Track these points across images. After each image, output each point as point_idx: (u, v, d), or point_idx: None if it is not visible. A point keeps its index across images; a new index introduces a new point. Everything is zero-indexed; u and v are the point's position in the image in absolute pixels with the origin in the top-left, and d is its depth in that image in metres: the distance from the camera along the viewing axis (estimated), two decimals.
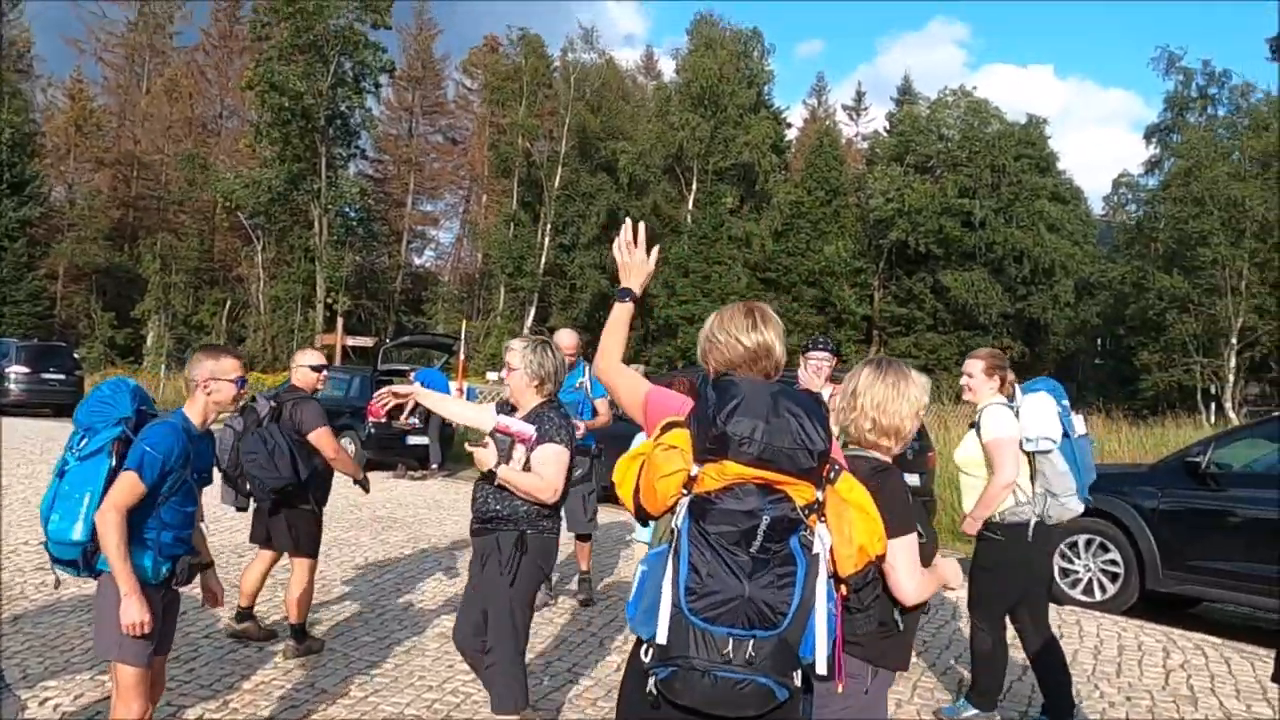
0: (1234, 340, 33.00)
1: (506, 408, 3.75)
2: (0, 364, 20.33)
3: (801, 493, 1.93)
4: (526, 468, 3.54)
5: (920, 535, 2.41)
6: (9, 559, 6.74)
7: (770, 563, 1.89)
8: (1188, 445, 7.86)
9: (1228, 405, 32.03)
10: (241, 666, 4.76)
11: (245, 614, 5.20)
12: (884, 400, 2.50)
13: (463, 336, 17.32)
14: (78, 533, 3.04)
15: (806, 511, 1.93)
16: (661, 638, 1.89)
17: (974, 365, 4.48)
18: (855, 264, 40.38)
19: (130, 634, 2.98)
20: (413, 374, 11.99)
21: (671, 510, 1.98)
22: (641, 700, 1.98)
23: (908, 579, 2.33)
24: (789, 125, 47.65)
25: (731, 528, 1.89)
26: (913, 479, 9.93)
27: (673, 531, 1.95)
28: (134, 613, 2.97)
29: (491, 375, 31.22)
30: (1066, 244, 39.51)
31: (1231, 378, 32.85)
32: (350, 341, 31.23)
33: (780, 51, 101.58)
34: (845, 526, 2.00)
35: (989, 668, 4.37)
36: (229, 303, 41.28)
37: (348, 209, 39.79)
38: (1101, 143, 74.29)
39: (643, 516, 2.08)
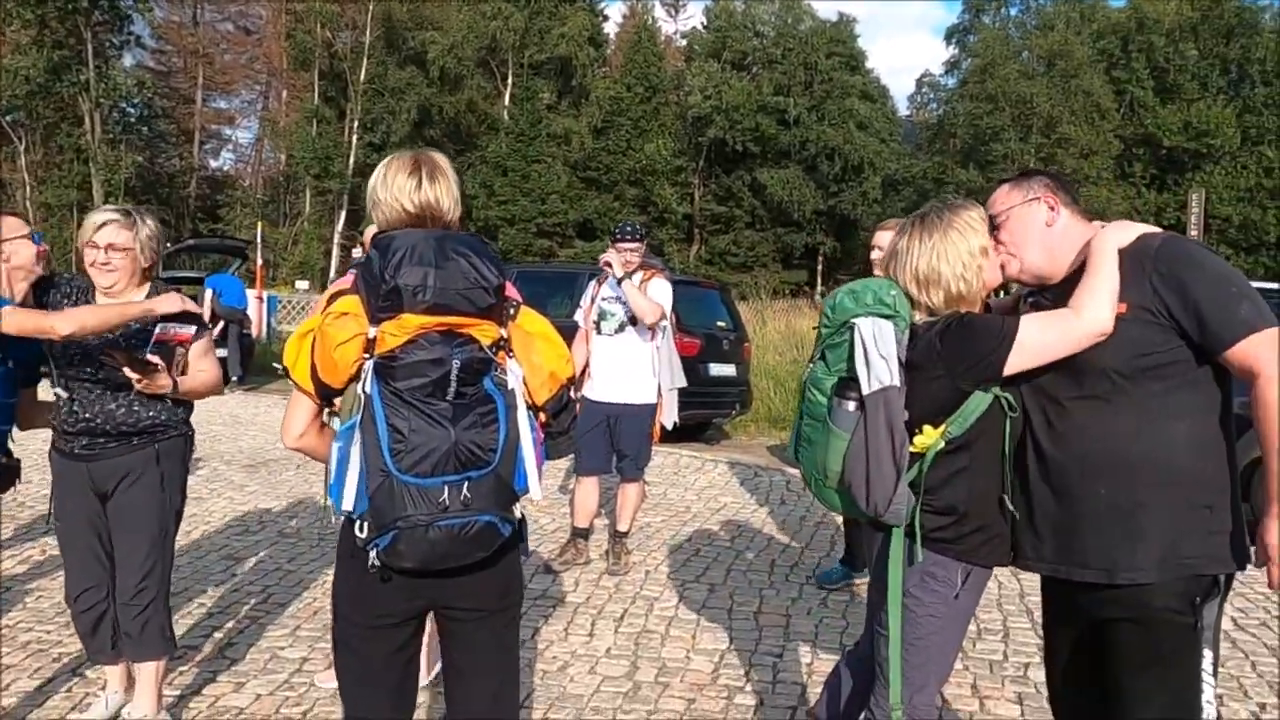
0: None
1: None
2: None
3: (486, 332, 1.92)
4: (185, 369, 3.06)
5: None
6: None
7: (470, 405, 1.87)
8: None
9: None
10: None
11: None
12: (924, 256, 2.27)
13: (258, 240, 16.01)
14: None
15: (494, 350, 1.93)
16: (359, 506, 1.83)
17: (884, 237, 4.33)
18: (676, 162, 40.39)
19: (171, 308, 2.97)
20: (204, 280, 11.28)
21: (355, 378, 1.89)
22: (363, 583, 1.92)
23: (1056, 316, 2.09)
24: (606, 19, 46.51)
25: (423, 379, 1.84)
26: (728, 369, 10.09)
27: (359, 399, 1.86)
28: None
29: (301, 284, 29.55)
30: (875, 141, 40.96)
31: None
32: None
33: None
34: (534, 356, 2.01)
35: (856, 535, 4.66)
36: None
37: (124, 104, 35.91)
38: (907, 47, 76.69)
39: (325, 394, 1.97)
